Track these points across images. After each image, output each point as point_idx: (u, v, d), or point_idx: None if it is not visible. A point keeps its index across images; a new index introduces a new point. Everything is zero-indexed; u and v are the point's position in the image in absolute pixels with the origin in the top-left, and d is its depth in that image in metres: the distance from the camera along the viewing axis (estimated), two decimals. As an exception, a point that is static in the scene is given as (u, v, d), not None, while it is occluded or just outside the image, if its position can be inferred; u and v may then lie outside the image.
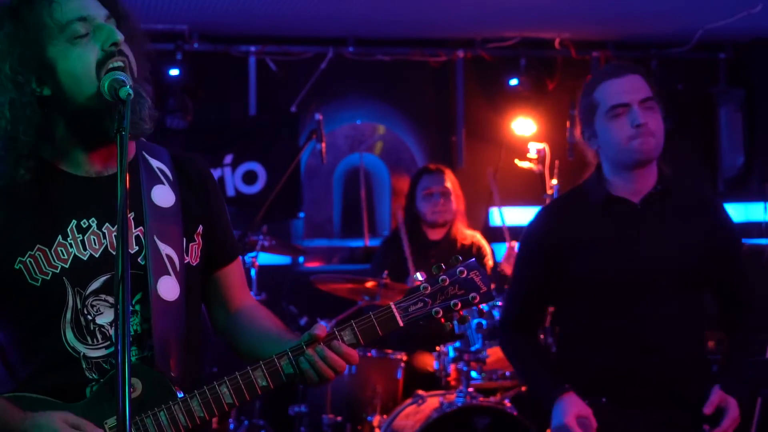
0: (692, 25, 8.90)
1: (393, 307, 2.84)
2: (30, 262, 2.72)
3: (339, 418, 6.85)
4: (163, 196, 2.89)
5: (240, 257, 3.15)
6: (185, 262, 2.89)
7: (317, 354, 2.76)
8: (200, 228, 2.97)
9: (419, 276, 2.93)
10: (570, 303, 4.00)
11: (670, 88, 9.27)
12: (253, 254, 7.51)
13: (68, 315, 2.73)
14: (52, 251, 2.74)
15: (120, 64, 2.68)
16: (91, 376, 2.74)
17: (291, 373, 2.78)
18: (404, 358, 6.86)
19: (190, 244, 2.93)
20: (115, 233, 2.77)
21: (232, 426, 8.00)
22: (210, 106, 9.10)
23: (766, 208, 8.60)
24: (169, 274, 2.82)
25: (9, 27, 2.71)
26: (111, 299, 2.75)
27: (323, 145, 7.37)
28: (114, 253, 2.70)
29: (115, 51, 2.70)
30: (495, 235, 8.94)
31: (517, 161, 8.79)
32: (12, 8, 2.73)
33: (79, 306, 2.74)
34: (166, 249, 2.83)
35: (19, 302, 2.75)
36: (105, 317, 2.75)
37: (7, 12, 2.73)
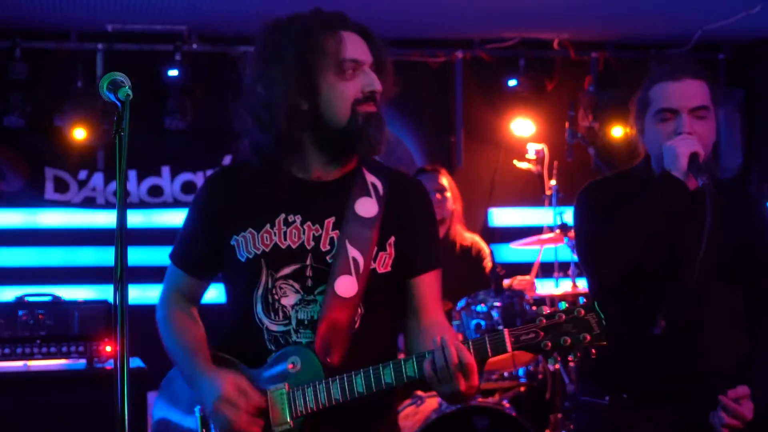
0: (691, 26, 8.90)
1: (506, 332, 3.06)
2: (241, 240, 3.23)
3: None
4: (366, 207, 3.27)
5: (438, 271, 3.39)
6: (371, 267, 3.23)
7: (435, 355, 3.02)
8: (392, 238, 3.29)
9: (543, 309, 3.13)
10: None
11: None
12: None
13: (260, 291, 3.21)
14: (259, 235, 3.22)
15: (371, 110, 3.24)
16: (269, 347, 3.21)
17: (412, 375, 3.09)
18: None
19: (380, 253, 3.27)
20: (314, 232, 3.22)
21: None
22: (209, 106, 9.08)
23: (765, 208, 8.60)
24: (350, 275, 3.18)
25: (298, 46, 3.23)
26: (297, 285, 3.20)
27: (322, 145, 7.36)
28: (309, 247, 3.20)
29: (372, 97, 3.26)
30: (494, 236, 8.95)
31: (515, 162, 8.81)
32: (303, 32, 3.26)
33: (269, 286, 3.20)
34: (353, 252, 3.20)
35: (230, 272, 3.30)
36: (288, 300, 3.20)
37: (300, 33, 3.26)
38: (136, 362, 5.00)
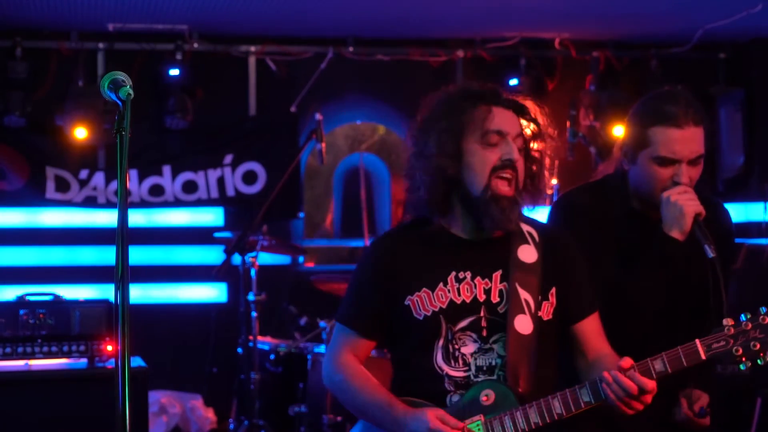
0: (692, 25, 8.90)
1: (698, 342, 3.31)
2: (416, 300, 3.46)
3: (339, 418, 6.85)
4: (527, 253, 3.52)
5: (597, 313, 3.61)
6: (539, 314, 3.48)
7: (611, 377, 3.26)
8: (554, 289, 3.54)
9: (725, 321, 3.34)
10: None
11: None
12: (252, 254, 7.51)
13: (440, 342, 3.44)
14: (434, 294, 3.45)
15: (507, 176, 3.41)
16: (449, 388, 3.43)
17: (588, 401, 3.33)
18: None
19: (543, 302, 3.51)
20: (484, 285, 3.45)
21: (232, 426, 8.01)
22: (210, 106, 9.10)
23: (765, 208, 8.60)
24: (525, 314, 3.43)
25: (450, 115, 3.47)
26: (474, 335, 3.43)
27: (323, 145, 7.37)
28: (481, 300, 3.43)
29: (509, 164, 3.41)
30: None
31: (516, 161, 8.78)
32: (457, 102, 3.50)
33: (449, 337, 3.43)
34: (524, 294, 3.45)
35: (404, 329, 3.49)
36: (468, 348, 3.43)
37: (452, 103, 3.50)
38: (137, 361, 4.99)
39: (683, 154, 3.81)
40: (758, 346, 3.30)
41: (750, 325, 3.32)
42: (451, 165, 3.44)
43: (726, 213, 4.10)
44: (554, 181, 8.33)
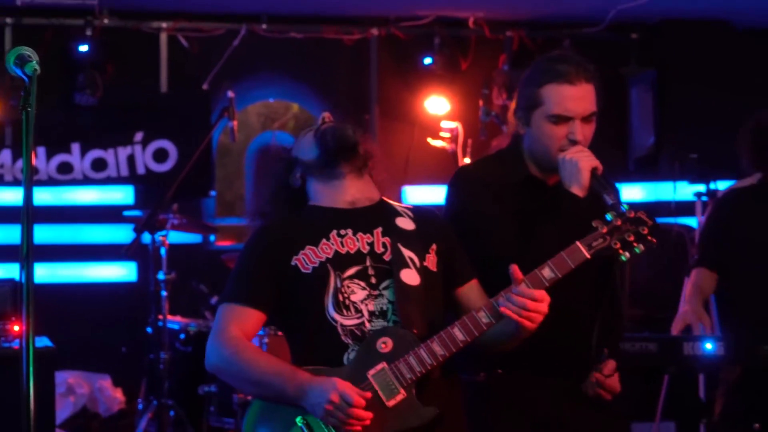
0: (605, 6, 8.96)
1: (579, 243, 3.53)
2: (302, 257, 3.57)
3: (249, 397, 6.81)
4: (404, 222, 3.73)
5: (476, 280, 3.76)
6: (424, 264, 3.63)
7: (505, 297, 3.43)
8: (434, 245, 3.70)
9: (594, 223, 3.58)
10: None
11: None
12: (163, 233, 7.44)
13: (330, 292, 3.52)
14: (318, 248, 3.58)
15: (327, 124, 3.71)
16: (345, 341, 3.50)
17: (488, 321, 3.46)
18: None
19: (427, 255, 3.67)
20: (367, 239, 3.63)
21: (140, 406, 7.93)
22: (120, 82, 8.99)
23: (675, 187, 8.70)
24: (410, 268, 3.58)
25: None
26: (362, 283, 3.55)
27: (235, 123, 7.33)
28: (365, 251, 3.59)
29: (322, 119, 3.76)
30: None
31: (429, 140, 8.83)
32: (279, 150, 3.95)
33: (338, 285, 3.53)
34: (408, 252, 3.62)
35: (293, 292, 3.56)
36: (357, 296, 3.53)
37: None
38: (43, 341, 4.92)
39: (576, 111, 3.84)
40: (632, 237, 3.57)
41: (620, 221, 3.57)
42: (291, 169, 3.78)
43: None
44: (467, 160, 8.36)
